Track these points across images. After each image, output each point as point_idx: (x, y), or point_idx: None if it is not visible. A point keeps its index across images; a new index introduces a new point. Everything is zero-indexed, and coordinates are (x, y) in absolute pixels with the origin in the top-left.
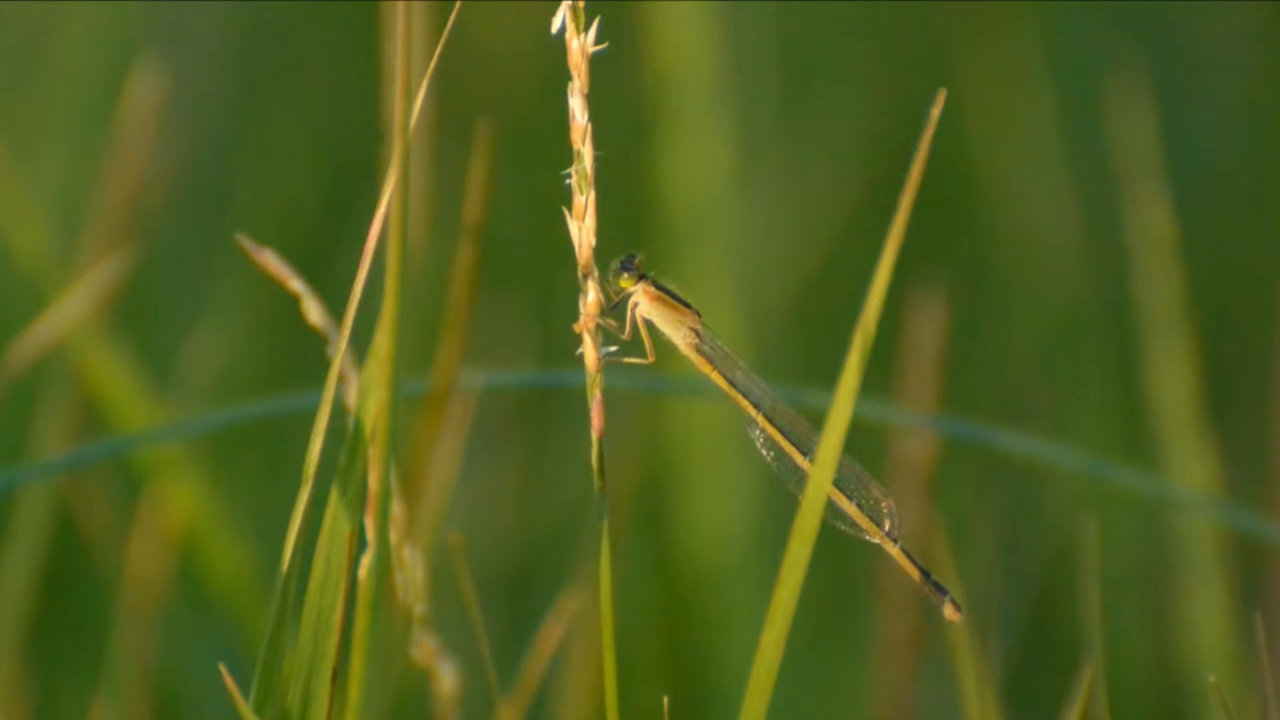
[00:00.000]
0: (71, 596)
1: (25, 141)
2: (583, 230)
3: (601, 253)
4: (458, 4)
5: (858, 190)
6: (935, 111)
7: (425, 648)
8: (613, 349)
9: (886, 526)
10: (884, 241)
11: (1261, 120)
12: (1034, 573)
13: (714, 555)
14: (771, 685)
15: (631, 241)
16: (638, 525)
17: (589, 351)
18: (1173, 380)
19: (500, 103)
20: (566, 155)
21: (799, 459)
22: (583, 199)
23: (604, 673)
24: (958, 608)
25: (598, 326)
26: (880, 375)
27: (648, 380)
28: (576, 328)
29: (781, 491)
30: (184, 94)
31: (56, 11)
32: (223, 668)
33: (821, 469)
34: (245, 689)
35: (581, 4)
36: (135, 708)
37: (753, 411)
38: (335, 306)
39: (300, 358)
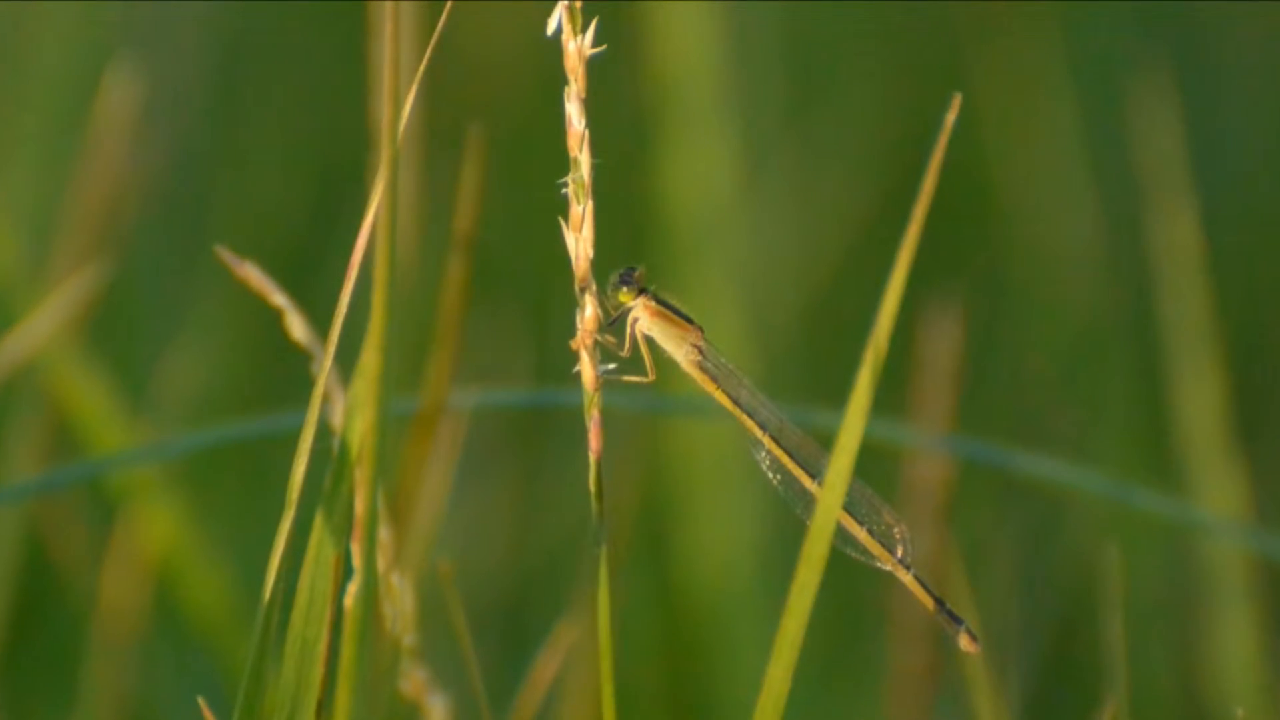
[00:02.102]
0: (43, 626)
1: None
2: (580, 242)
3: (599, 266)
4: (449, 4)
5: (869, 200)
6: (950, 117)
7: (415, 680)
8: (611, 367)
9: (899, 553)
10: (896, 253)
11: None
12: (1054, 601)
13: (718, 583)
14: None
15: (631, 254)
16: (637, 551)
17: (586, 369)
18: (1200, 400)
19: (493, 107)
20: (563, 163)
21: (807, 482)
22: (580, 209)
23: (602, 707)
24: (974, 638)
25: (595, 343)
26: (893, 394)
27: (648, 400)
28: (573, 344)
29: (789, 516)
30: (161, 98)
31: (27, 12)
32: (202, 701)
33: (831, 492)
34: None
35: (579, 4)
36: None
37: (758, 432)
38: (320, 322)
39: (283, 376)
